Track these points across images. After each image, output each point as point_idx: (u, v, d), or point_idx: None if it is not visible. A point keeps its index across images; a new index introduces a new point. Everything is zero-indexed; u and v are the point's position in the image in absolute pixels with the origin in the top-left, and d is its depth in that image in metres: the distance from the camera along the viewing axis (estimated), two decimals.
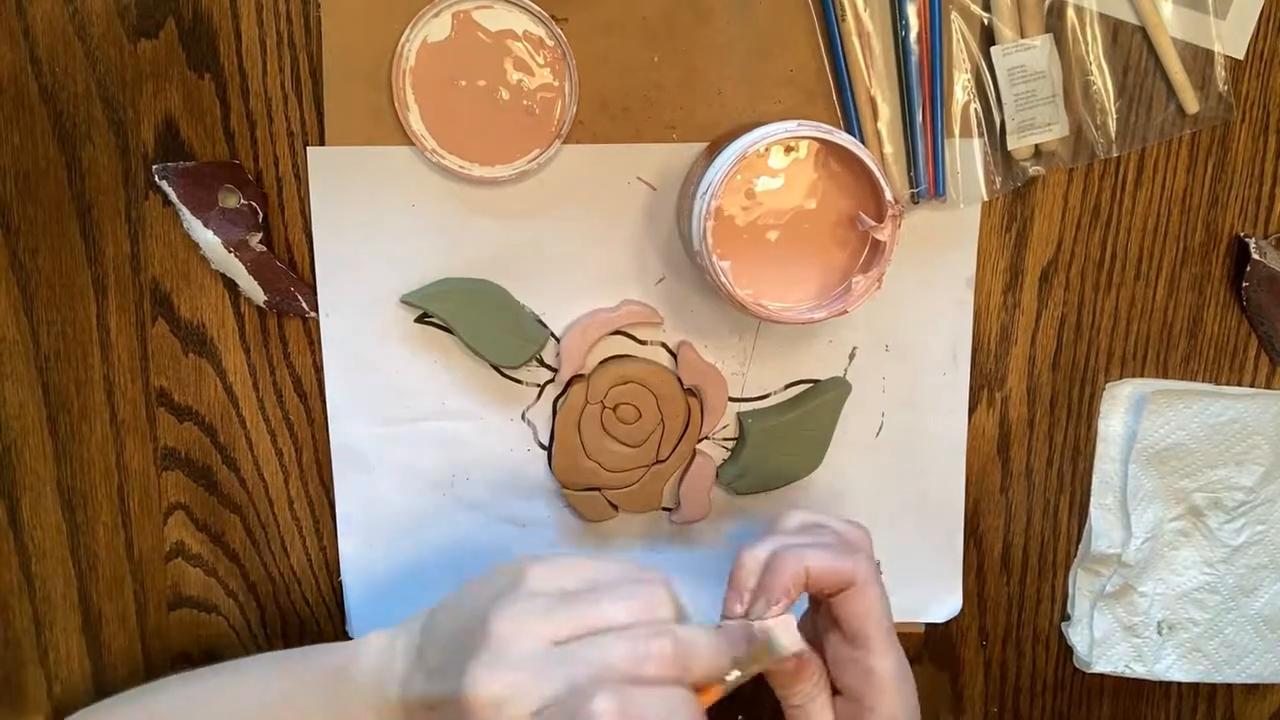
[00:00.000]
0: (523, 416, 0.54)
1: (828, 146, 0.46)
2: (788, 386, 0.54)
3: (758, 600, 0.42)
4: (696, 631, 0.37)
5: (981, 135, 0.52)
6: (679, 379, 0.53)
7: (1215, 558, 0.56)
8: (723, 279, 0.46)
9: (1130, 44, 0.51)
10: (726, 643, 0.38)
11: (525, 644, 0.37)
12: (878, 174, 0.46)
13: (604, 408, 0.52)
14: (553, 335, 0.53)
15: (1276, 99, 0.53)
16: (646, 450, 0.53)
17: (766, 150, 0.47)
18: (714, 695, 0.39)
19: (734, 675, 0.39)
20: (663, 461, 0.54)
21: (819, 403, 0.53)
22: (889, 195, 0.46)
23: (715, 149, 0.48)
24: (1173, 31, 0.51)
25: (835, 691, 0.44)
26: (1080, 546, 0.57)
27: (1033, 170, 0.52)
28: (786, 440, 0.53)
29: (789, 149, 0.47)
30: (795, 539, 0.44)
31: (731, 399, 0.54)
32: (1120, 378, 0.55)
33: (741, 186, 0.47)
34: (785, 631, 0.40)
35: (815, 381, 0.54)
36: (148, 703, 0.48)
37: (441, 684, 0.38)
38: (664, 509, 0.55)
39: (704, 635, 0.38)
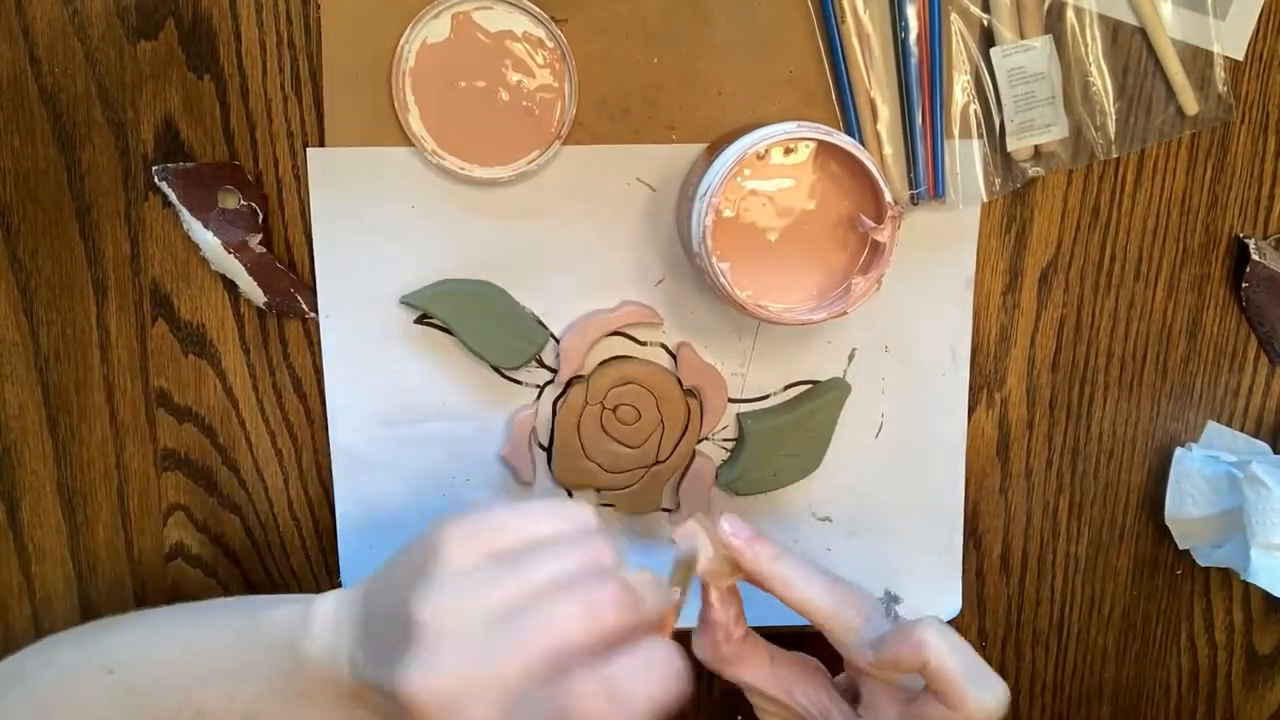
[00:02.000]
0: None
1: (827, 148, 0.46)
2: (787, 387, 0.54)
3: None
4: (630, 569, 0.35)
5: (981, 136, 0.52)
6: (679, 380, 0.53)
7: None
8: (722, 280, 0.46)
9: (1130, 45, 0.51)
10: (656, 571, 0.37)
11: (460, 629, 0.33)
12: (877, 175, 0.46)
13: (604, 409, 0.52)
14: (552, 336, 0.53)
15: (1276, 99, 0.53)
16: (646, 451, 0.53)
17: (766, 151, 0.47)
18: (671, 623, 0.38)
19: (677, 595, 0.38)
20: (662, 462, 0.54)
21: (818, 404, 0.53)
22: (888, 196, 0.46)
23: (715, 150, 0.48)
24: (1172, 33, 0.51)
25: None
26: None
27: (1032, 171, 0.52)
28: (786, 441, 0.53)
29: (788, 150, 0.47)
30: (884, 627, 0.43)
31: (731, 400, 0.54)
32: (1120, 378, 0.55)
33: (741, 188, 0.47)
34: (686, 537, 0.43)
35: (815, 382, 0.54)
36: (99, 642, 0.44)
37: (384, 673, 0.35)
38: (663, 509, 0.55)
39: (639, 569, 0.36)
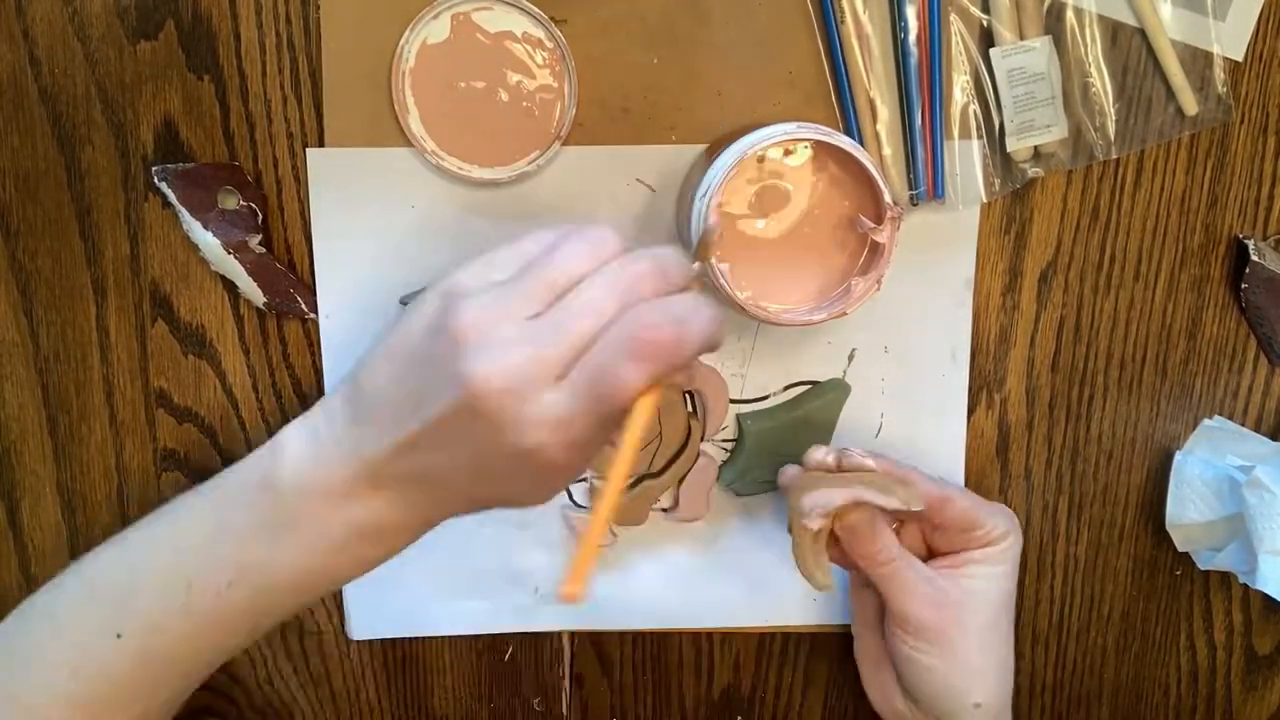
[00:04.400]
0: None
1: (827, 149, 0.46)
2: (787, 388, 0.54)
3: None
4: (653, 247, 0.36)
5: (980, 137, 0.52)
6: (685, 394, 0.53)
7: None
8: (722, 281, 0.46)
9: (1129, 46, 0.51)
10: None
11: (504, 330, 0.34)
12: (876, 176, 0.46)
13: None
14: None
15: (1276, 100, 0.53)
16: (640, 460, 0.53)
17: (765, 152, 0.47)
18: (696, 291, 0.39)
19: (697, 267, 0.40)
20: (655, 476, 0.53)
21: (818, 404, 0.53)
22: (888, 197, 0.46)
23: (714, 151, 0.48)
24: (1172, 33, 0.51)
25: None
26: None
27: (1032, 172, 0.52)
28: (785, 441, 0.53)
29: (788, 151, 0.47)
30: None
31: (731, 400, 0.54)
32: (1120, 379, 0.55)
33: (740, 189, 0.47)
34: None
35: (815, 383, 0.54)
36: (84, 573, 0.44)
37: (419, 415, 0.35)
38: (661, 509, 0.55)
39: (660, 247, 0.37)
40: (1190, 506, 0.55)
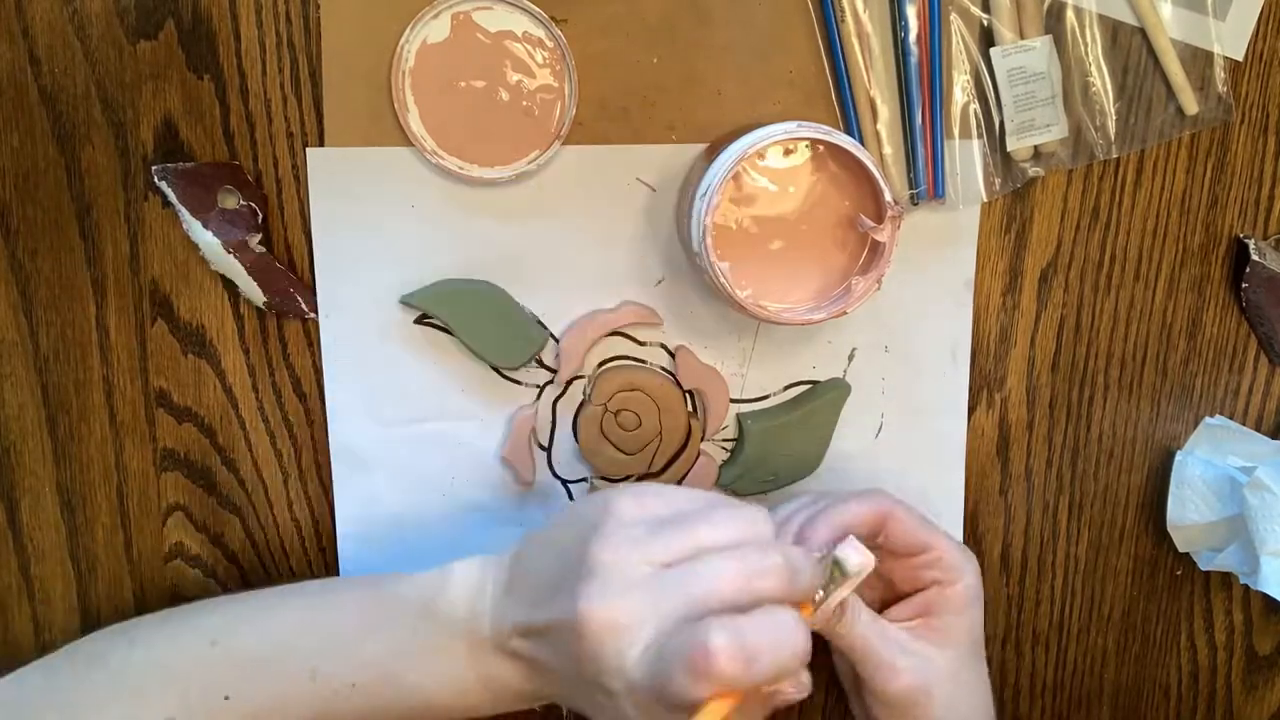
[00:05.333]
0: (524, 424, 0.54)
1: (827, 148, 0.46)
2: (787, 388, 0.54)
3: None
4: (793, 548, 0.38)
5: (981, 136, 0.52)
6: (685, 394, 0.53)
7: None
8: (722, 280, 0.46)
9: (1129, 45, 0.51)
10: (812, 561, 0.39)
11: (633, 570, 0.36)
12: (877, 175, 0.46)
13: (606, 410, 0.52)
14: (552, 336, 0.53)
15: (1276, 100, 0.53)
16: (640, 459, 0.53)
17: (766, 151, 0.47)
18: (809, 611, 0.40)
19: (819, 595, 0.40)
20: (654, 475, 0.53)
21: (818, 404, 0.53)
22: (888, 196, 0.46)
23: (715, 150, 0.48)
24: (1172, 33, 0.51)
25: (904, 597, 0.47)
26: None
27: (1032, 171, 0.52)
28: (786, 441, 0.53)
29: (788, 150, 0.47)
30: (813, 506, 0.46)
31: (732, 400, 0.54)
32: (1120, 379, 0.55)
33: (741, 188, 0.47)
34: (854, 550, 0.41)
35: (815, 383, 0.54)
36: (191, 621, 0.46)
37: (546, 612, 0.38)
38: None
39: (801, 551, 0.38)
40: (1191, 507, 0.55)
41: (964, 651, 0.46)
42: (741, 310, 0.47)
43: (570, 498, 0.55)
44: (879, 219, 0.46)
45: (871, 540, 0.45)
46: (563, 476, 0.54)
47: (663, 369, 0.53)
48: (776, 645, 0.34)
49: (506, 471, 0.54)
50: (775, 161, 0.47)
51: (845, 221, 0.48)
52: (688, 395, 0.54)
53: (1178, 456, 0.55)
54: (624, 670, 0.36)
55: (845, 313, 0.47)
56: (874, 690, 0.45)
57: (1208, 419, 0.55)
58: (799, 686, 0.37)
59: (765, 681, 0.35)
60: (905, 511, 0.46)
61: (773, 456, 0.53)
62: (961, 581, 0.46)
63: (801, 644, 0.35)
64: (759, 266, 0.48)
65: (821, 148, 0.47)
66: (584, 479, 0.54)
